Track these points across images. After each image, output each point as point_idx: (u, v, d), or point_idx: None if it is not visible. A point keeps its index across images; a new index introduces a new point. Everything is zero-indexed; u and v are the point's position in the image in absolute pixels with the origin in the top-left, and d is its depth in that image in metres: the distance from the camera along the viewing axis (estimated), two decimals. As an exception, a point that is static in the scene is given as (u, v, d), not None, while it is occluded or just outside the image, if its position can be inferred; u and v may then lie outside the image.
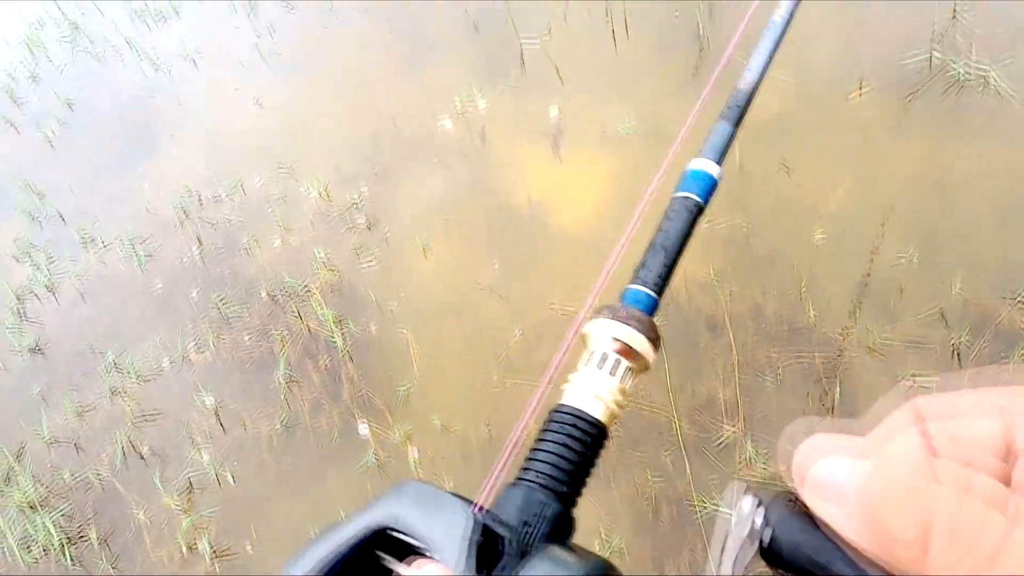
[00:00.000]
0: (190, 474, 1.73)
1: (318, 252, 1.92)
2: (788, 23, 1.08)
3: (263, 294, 1.90)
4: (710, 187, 0.88)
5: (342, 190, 2.08)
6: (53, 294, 2.14)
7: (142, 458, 1.79)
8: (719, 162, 0.93)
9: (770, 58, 1.01)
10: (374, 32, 2.60)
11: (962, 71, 1.70)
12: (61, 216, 2.39)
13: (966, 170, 1.56)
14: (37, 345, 2.01)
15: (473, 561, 0.23)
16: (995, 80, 1.65)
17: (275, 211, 2.11)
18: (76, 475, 1.81)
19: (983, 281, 1.41)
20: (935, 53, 1.76)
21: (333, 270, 1.88)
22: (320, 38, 2.69)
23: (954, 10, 1.84)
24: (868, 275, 1.49)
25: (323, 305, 1.78)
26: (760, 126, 1.79)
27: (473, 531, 0.24)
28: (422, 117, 2.19)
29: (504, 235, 1.82)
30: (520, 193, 1.89)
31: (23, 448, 1.90)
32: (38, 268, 2.23)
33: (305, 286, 1.86)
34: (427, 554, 0.24)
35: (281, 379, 1.75)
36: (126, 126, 2.66)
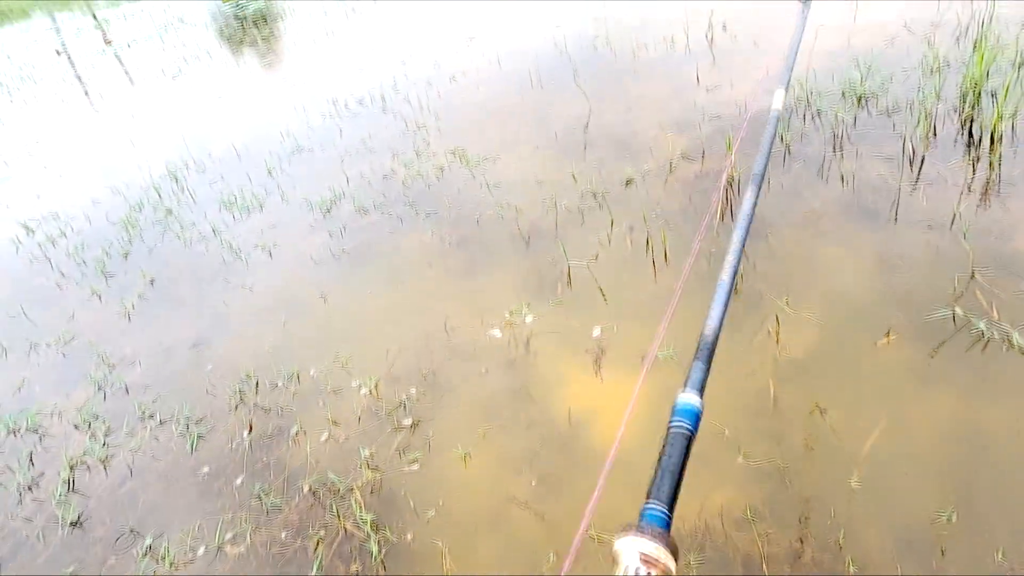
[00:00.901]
0: None
1: (363, 450, 2.00)
2: (732, 282, 1.24)
3: (305, 488, 1.95)
4: (696, 418, 1.01)
5: (392, 389, 2.20)
6: (104, 467, 2.22)
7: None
8: (701, 394, 1.05)
9: (724, 309, 1.16)
10: (436, 241, 2.88)
11: (985, 329, 1.81)
12: (126, 388, 2.54)
13: (1000, 428, 1.61)
14: (79, 519, 2.05)
15: None
16: (1018, 341, 1.75)
17: (326, 404, 2.22)
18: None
19: (1027, 547, 1.39)
20: (957, 310, 1.88)
21: (376, 470, 1.93)
22: (387, 242, 2.98)
23: (972, 270, 1.99)
24: (907, 527, 1.48)
25: (363, 507, 1.82)
26: (791, 363, 1.88)
27: None
28: (473, 325, 2.36)
29: (543, 449, 1.87)
30: (560, 408, 1.98)
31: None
32: (95, 439, 2.33)
33: (348, 484, 1.91)
34: None
35: (310, 580, 1.74)
36: (199, 307, 2.90)
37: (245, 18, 9.25)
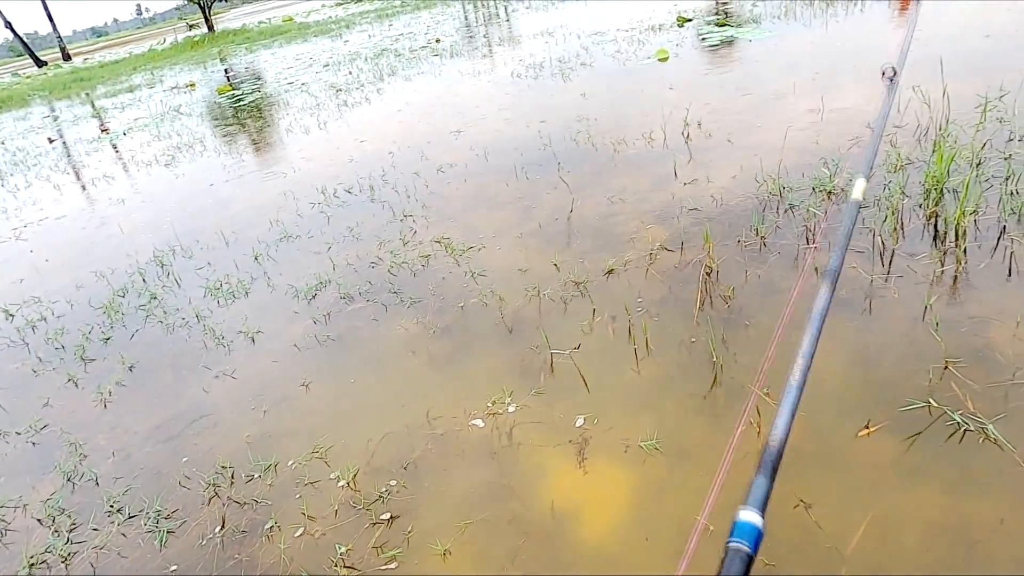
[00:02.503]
0: None
1: (339, 547, 1.93)
2: (803, 384, 1.22)
3: (277, 588, 1.87)
4: (758, 538, 0.94)
5: (371, 481, 2.15)
6: (66, 565, 2.12)
7: None
8: (763, 512, 0.99)
9: (792, 416, 1.13)
10: (420, 329, 2.90)
11: (960, 421, 1.83)
12: (96, 479, 2.46)
13: (985, 522, 1.60)
14: (34, 623, 1.94)
15: None
16: (994, 433, 1.77)
17: (303, 496, 2.16)
18: None
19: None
20: (932, 401, 1.91)
21: (352, 568, 1.86)
22: (371, 329, 2.99)
23: (945, 362, 2.04)
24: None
25: (336, 609, 1.75)
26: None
27: None
28: (455, 414, 2.34)
29: (526, 545, 1.82)
30: (543, 501, 1.94)
31: None
32: (59, 534, 2.24)
33: (321, 584, 1.83)
34: None
35: None
36: (178, 395, 2.86)
37: (240, 109, 9.58)
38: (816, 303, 1.26)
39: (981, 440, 1.77)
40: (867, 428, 1.89)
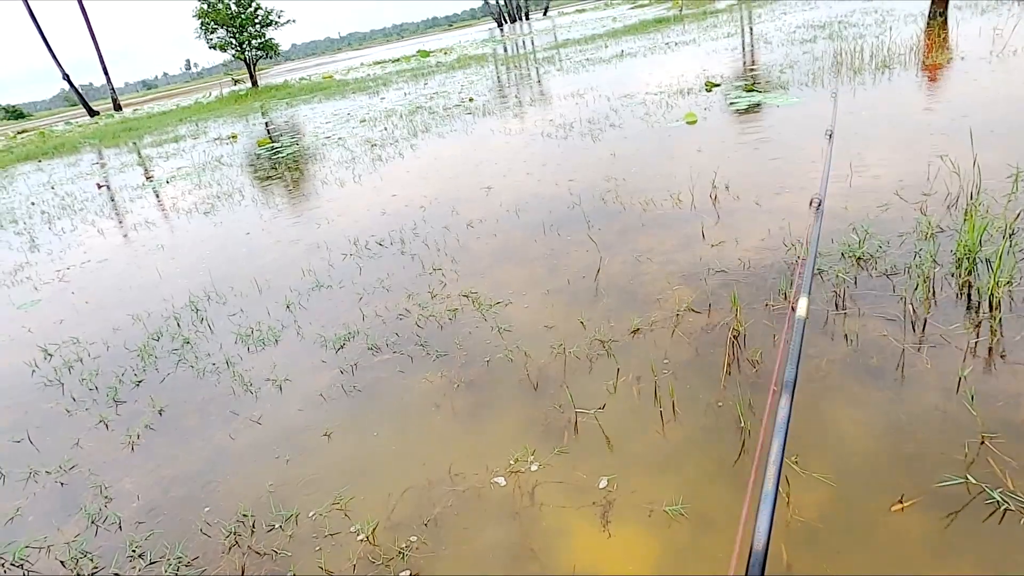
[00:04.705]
0: None
1: (357, 603, 1.91)
2: (776, 491, 1.22)
3: (292, 644, 1.84)
4: None
5: (391, 536, 2.14)
6: (85, 610, 2.11)
7: None
8: None
9: (771, 522, 1.13)
10: (445, 383, 2.91)
11: (1000, 499, 1.77)
12: (120, 523, 2.48)
13: (1025, 608, 1.53)
14: (50, 668, 1.93)
15: None
16: (1036, 514, 1.70)
17: (322, 548, 2.15)
18: None
19: None
20: (970, 477, 1.85)
21: (368, 626, 1.84)
22: (396, 381, 3.01)
23: (982, 437, 1.98)
24: None
25: (351, 669, 1.71)
26: (804, 527, 1.83)
27: None
28: (477, 471, 2.33)
29: (545, 611, 1.78)
30: (565, 564, 1.90)
31: None
32: (80, 578, 2.24)
33: (337, 642, 1.80)
34: None
35: None
36: (205, 440, 2.89)
37: (279, 161, 9.92)
38: (779, 414, 1.30)
39: (1022, 521, 1.71)
40: (901, 502, 1.84)
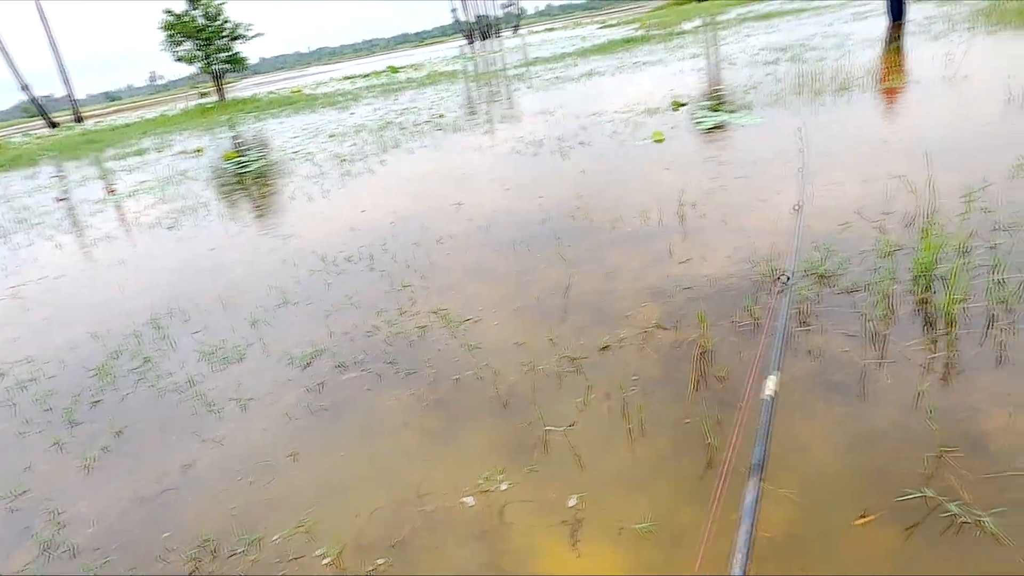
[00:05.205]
0: None
1: (321, 629, 1.86)
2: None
3: (254, 673, 1.79)
4: None
5: (357, 558, 2.10)
6: (34, 642, 2.03)
7: None
8: None
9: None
10: (413, 401, 2.88)
11: (957, 512, 1.81)
12: (74, 550, 2.39)
13: (983, 620, 1.56)
14: None
15: None
16: (990, 526, 1.75)
17: (286, 573, 2.10)
18: None
19: None
20: (928, 491, 1.89)
21: (333, 653, 1.79)
22: (364, 400, 2.97)
23: (940, 450, 2.03)
24: None
25: None
26: (772, 544, 1.85)
27: None
28: (446, 490, 2.30)
29: (515, 633, 1.76)
30: (534, 585, 1.89)
31: None
32: (30, 608, 2.15)
33: (301, 670, 1.76)
34: None
35: None
36: (165, 462, 2.81)
37: (246, 175, 9.80)
38: (746, 496, 1.31)
39: (978, 534, 1.75)
40: (863, 517, 1.87)
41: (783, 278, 2.41)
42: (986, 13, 11.89)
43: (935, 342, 2.60)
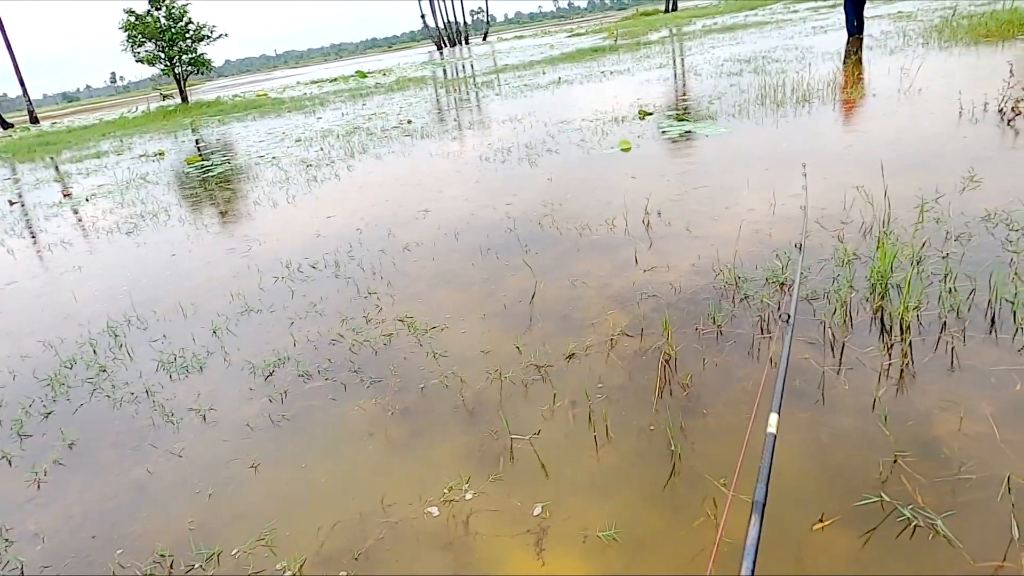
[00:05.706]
0: None
1: (281, 645, 1.82)
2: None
3: None
4: None
5: (319, 571, 2.06)
6: (-22, 666, 1.94)
7: None
8: None
9: None
10: (378, 410, 2.85)
11: (911, 516, 1.85)
12: (21, 569, 2.30)
13: (936, 621, 1.60)
14: None
15: None
16: (943, 529, 1.79)
17: (246, 588, 2.05)
18: None
19: None
20: (883, 495, 1.94)
21: (293, 670, 1.75)
22: (328, 409, 2.93)
23: (895, 456, 2.08)
24: None
25: None
26: (734, 549, 1.86)
27: None
28: (411, 500, 2.28)
29: (479, 644, 1.75)
30: (499, 595, 1.88)
31: None
32: (-26, 630, 2.06)
33: None
34: None
35: None
36: (120, 475, 2.73)
37: (209, 179, 9.61)
38: (749, 535, 1.33)
39: (931, 536, 1.79)
40: (822, 521, 1.90)
41: (784, 317, 2.47)
42: (939, 29, 12.32)
43: (890, 349, 2.66)
